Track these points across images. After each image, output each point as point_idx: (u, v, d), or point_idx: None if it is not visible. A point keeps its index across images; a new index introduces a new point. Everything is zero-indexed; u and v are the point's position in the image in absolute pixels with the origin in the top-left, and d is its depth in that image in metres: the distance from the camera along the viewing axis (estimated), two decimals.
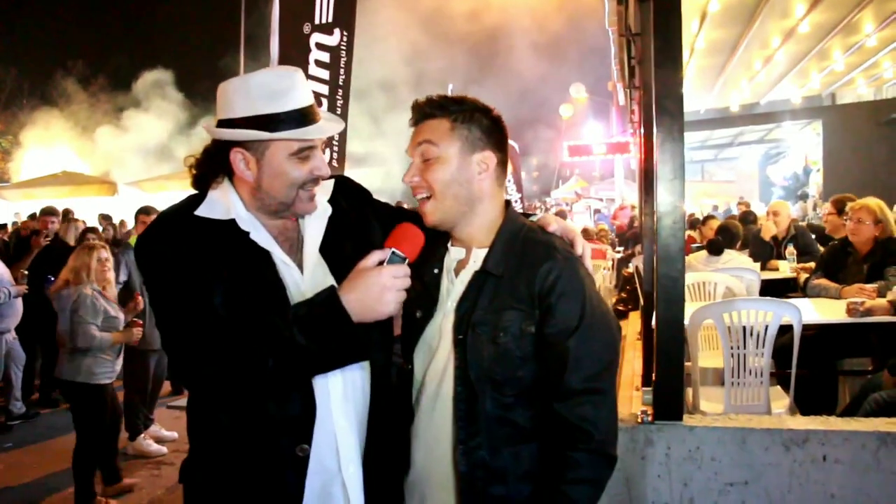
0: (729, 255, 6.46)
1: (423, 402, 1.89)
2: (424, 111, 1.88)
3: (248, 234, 1.82)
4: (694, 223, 11.22)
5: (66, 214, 10.12)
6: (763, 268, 7.13)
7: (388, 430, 1.92)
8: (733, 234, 7.49)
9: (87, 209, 15.45)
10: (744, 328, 3.93)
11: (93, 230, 9.08)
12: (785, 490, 2.59)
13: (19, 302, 7.29)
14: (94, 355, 5.16)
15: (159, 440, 6.55)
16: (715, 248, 6.70)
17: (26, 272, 7.55)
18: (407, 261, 1.75)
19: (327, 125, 1.89)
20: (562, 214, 15.85)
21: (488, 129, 1.87)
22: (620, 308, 8.80)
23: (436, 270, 1.93)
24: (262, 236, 1.84)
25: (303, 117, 1.82)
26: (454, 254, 1.93)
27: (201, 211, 1.83)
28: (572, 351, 1.74)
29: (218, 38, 25.93)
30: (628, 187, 24.67)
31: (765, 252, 7.35)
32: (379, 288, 1.68)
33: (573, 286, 1.77)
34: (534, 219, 2.00)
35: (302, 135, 1.80)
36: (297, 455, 1.77)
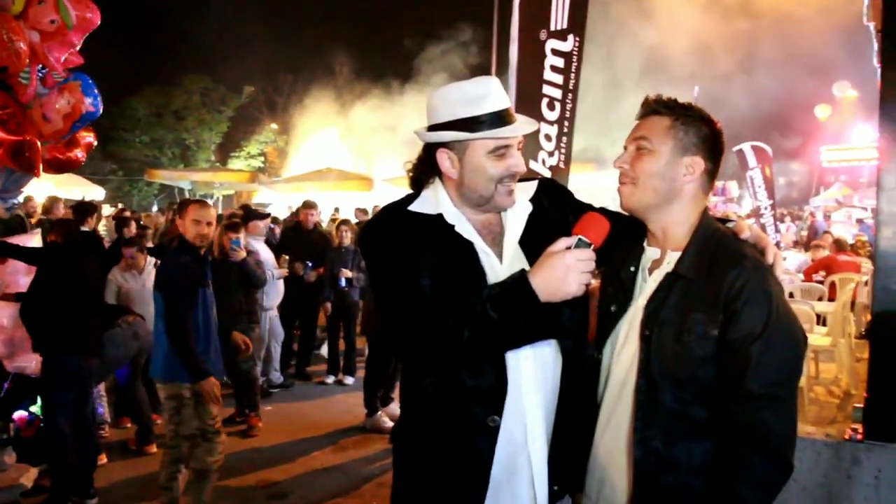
0: None
1: (609, 392, 2.02)
2: (652, 107, 2.02)
3: (453, 226, 2.07)
4: None
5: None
6: None
7: (575, 413, 2.08)
8: None
9: (347, 202, 16.88)
10: None
11: (346, 222, 9.95)
12: None
13: (281, 284, 8.18)
14: None
15: (394, 418, 7.10)
16: None
17: (287, 258, 8.46)
18: (592, 246, 1.88)
19: (521, 126, 2.08)
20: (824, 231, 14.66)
21: (705, 137, 1.97)
22: None
23: (632, 268, 2.06)
24: (466, 229, 2.08)
25: (499, 119, 2.03)
26: (650, 254, 2.05)
27: (414, 206, 2.12)
28: (754, 357, 1.79)
29: (474, 43, 27.16)
30: None
31: None
32: (564, 269, 1.83)
33: (760, 294, 1.83)
34: (730, 225, 2.06)
35: (496, 134, 2.02)
36: (488, 425, 1.99)
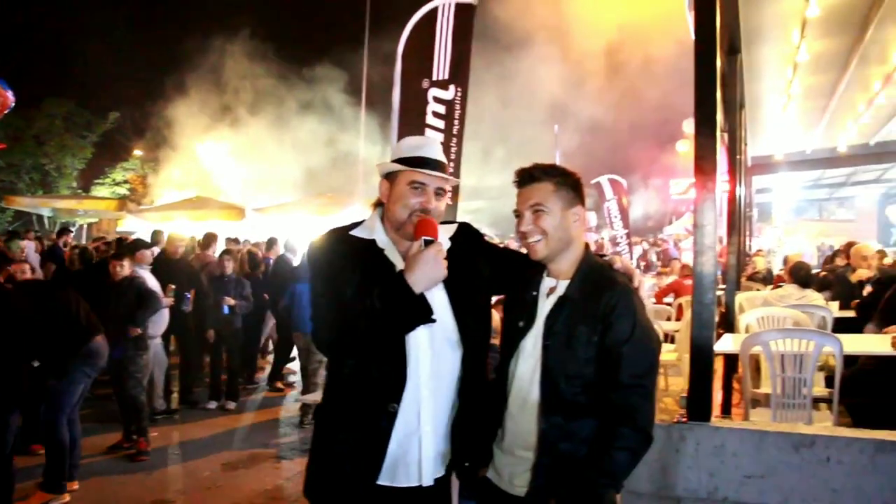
0: (802, 293, 6.81)
1: (519, 388, 2.57)
2: (532, 175, 2.55)
3: (383, 250, 2.60)
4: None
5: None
6: (846, 307, 7.47)
7: (477, 403, 2.62)
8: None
9: (218, 232, 16.82)
10: (796, 356, 4.41)
11: (228, 252, 10.17)
12: (795, 484, 3.11)
13: (166, 312, 8.30)
14: None
15: None
16: (800, 280, 7.10)
17: (174, 287, 8.61)
18: (434, 240, 2.47)
19: (437, 172, 2.62)
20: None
21: (576, 188, 2.58)
22: None
23: (534, 293, 2.62)
24: (393, 254, 2.61)
25: (424, 162, 2.58)
26: (547, 282, 2.62)
27: (354, 231, 2.65)
28: (625, 356, 2.39)
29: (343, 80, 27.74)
30: None
31: (848, 293, 7.66)
32: (433, 261, 2.41)
33: (627, 309, 2.44)
34: (606, 258, 2.71)
35: (416, 169, 2.57)
36: (388, 410, 2.49)
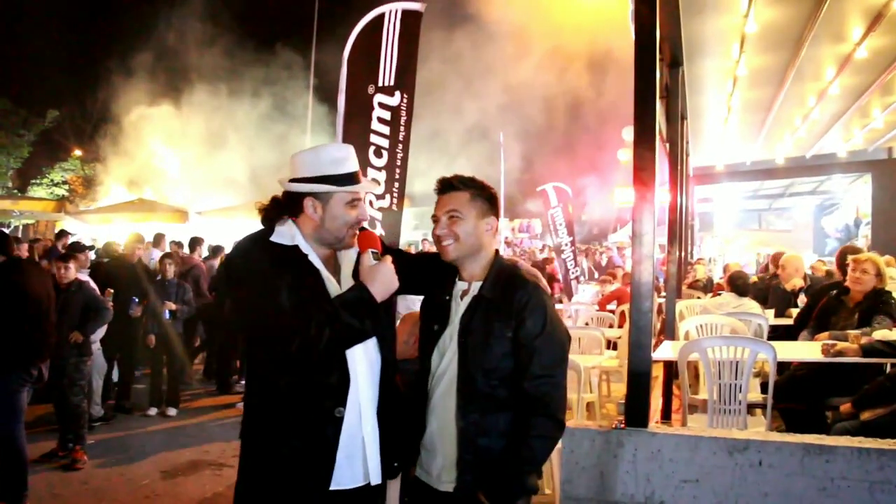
0: (739, 301, 7.00)
1: (438, 387, 2.69)
2: (451, 185, 2.72)
3: (307, 255, 2.62)
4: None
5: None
6: (781, 315, 7.70)
7: (397, 404, 2.72)
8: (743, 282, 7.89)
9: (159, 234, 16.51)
10: (732, 363, 4.53)
11: (169, 255, 10.00)
12: (728, 488, 3.19)
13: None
14: None
15: None
16: (738, 289, 7.28)
17: (112, 291, 8.43)
18: (378, 252, 2.65)
19: (368, 184, 2.79)
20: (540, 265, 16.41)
21: (492, 201, 2.75)
22: None
23: (447, 297, 2.76)
24: (315, 259, 2.64)
25: (354, 178, 2.66)
26: (459, 286, 2.77)
27: (275, 238, 2.63)
28: (537, 349, 2.56)
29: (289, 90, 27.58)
30: None
31: (783, 301, 7.89)
32: (390, 273, 2.57)
33: (538, 306, 2.61)
34: (510, 260, 2.83)
35: (353, 189, 2.64)
36: (335, 415, 2.53)
